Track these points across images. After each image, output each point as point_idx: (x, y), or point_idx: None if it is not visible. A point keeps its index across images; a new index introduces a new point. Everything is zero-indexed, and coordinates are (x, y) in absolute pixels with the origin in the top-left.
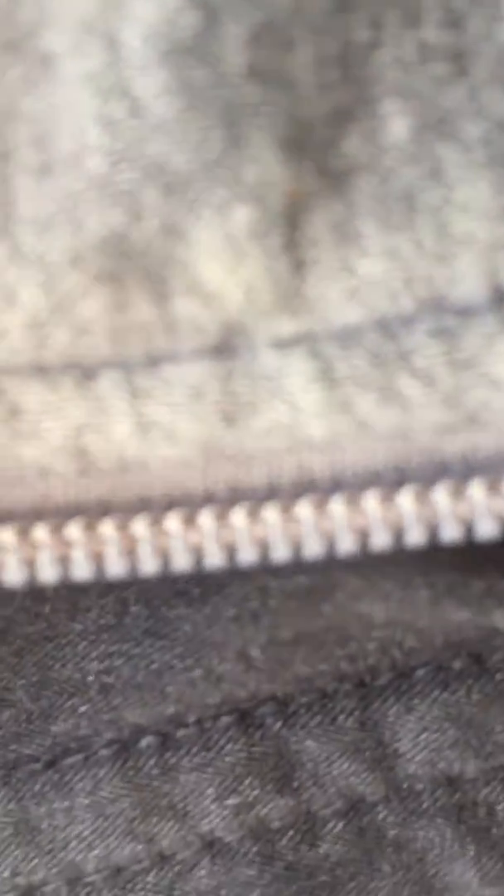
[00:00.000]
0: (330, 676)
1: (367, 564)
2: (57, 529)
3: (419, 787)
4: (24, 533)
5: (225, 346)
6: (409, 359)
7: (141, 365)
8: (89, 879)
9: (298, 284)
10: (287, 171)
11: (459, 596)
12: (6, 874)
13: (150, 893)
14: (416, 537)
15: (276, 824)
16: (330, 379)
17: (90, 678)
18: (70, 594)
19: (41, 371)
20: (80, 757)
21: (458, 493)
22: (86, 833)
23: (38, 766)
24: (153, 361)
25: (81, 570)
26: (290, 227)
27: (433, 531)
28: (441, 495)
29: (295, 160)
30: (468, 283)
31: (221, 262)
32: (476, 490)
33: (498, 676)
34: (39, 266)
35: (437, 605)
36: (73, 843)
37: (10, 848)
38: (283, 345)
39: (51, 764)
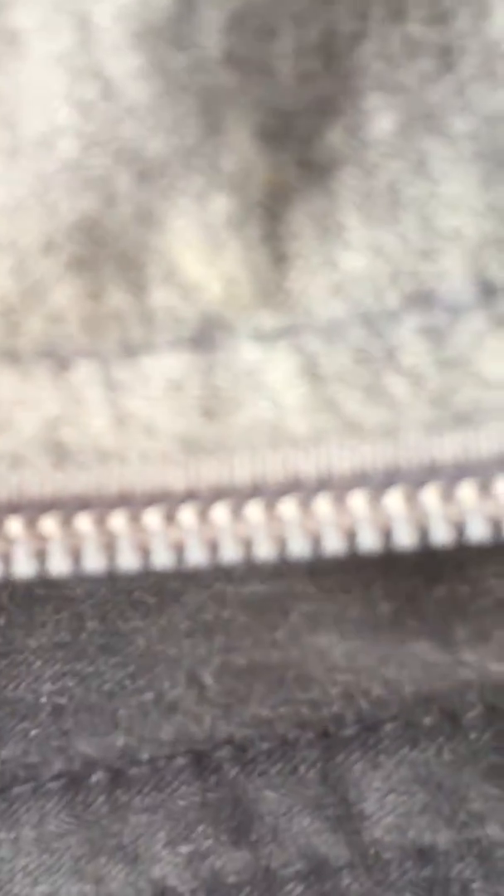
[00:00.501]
0: (291, 722)
1: (324, 572)
2: (32, 523)
3: (387, 855)
4: None
5: (204, 338)
6: (395, 356)
7: (117, 356)
8: None
9: (280, 278)
10: (266, 160)
11: (420, 608)
12: None
13: None
14: (404, 539)
15: (231, 878)
16: (314, 375)
17: (42, 699)
18: (27, 606)
19: (13, 359)
20: (27, 787)
21: (449, 494)
22: (31, 867)
23: None
24: (130, 352)
25: (58, 566)
26: (270, 218)
27: (423, 533)
28: (431, 497)
29: (274, 150)
30: (455, 279)
31: (199, 251)
32: (467, 491)
33: (472, 735)
34: (10, 251)
35: (397, 626)
36: (19, 877)
37: None
38: (264, 338)
39: None
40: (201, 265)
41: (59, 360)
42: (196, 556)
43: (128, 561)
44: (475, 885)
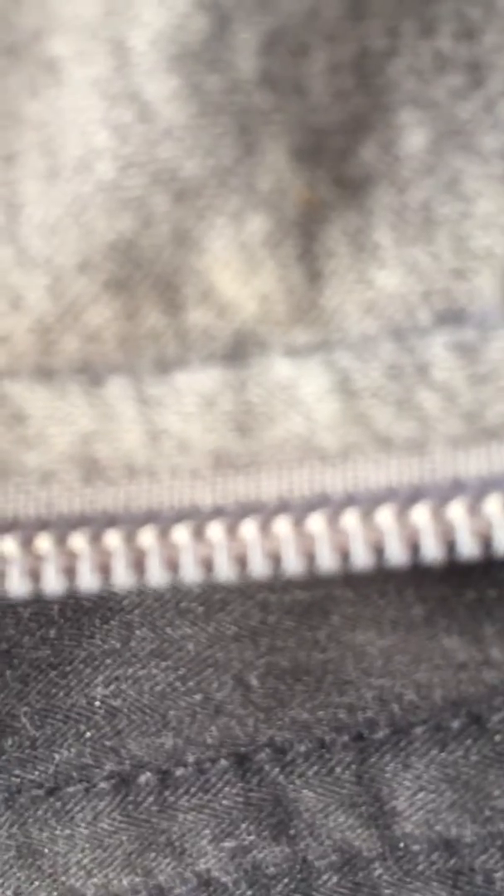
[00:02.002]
0: (328, 725)
1: (361, 578)
2: (61, 540)
3: (415, 847)
4: (27, 543)
5: (237, 355)
6: (427, 371)
7: (150, 372)
8: None
9: (315, 296)
10: (301, 179)
11: (451, 609)
12: (9, 894)
13: None
14: (431, 553)
15: (271, 870)
16: (347, 390)
17: (97, 703)
18: (75, 617)
19: (47, 376)
20: (80, 787)
21: (475, 509)
22: (85, 861)
23: (40, 792)
24: (163, 369)
25: (87, 582)
26: (305, 236)
27: (450, 547)
28: (457, 511)
29: (309, 168)
30: (486, 297)
31: (235, 271)
32: (493, 506)
33: (497, 738)
34: (46, 269)
35: (430, 624)
36: (74, 870)
37: (13, 870)
38: (297, 354)
39: (53, 791)
40: (237, 284)
41: (92, 377)
42: (225, 572)
43: (157, 577)
44: (498, 875)
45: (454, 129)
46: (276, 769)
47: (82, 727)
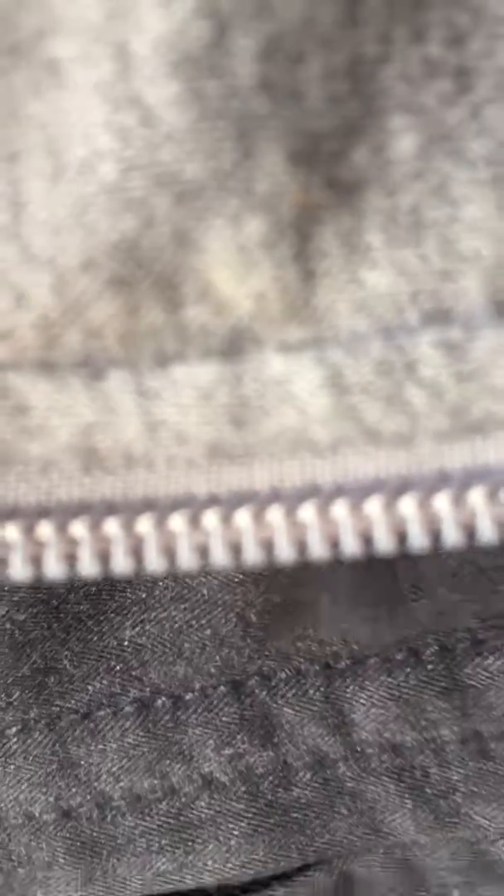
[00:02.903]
0: (303, 657)
1: None
2: (62, 527)
3: (370, 750)
4: (28, 530)
5: (233, 350)
6: (415, 368)
7: (150, 366)
8: (115, 804)
9: (308, 294)
10: (296, 182)
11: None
12: (51, 799)
13: (162, 817)
14: (418, 542)
15: (259, 770)
16: (338, 386)
17: (125, 643)
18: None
19: (49, 369)
20: (109, 711)
21: (460, 500)
22: (114, 769)
23: (76, 716)
24: (162, 363)
25: (87, 568)
26: (300, 237)
27: (435, 536)
28: (443, 502)
29: (304, 172)
30: (472, 298)
31: (232, 270)
32: (477, 497)
33: (430, 667)
34: (50, 268)
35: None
36: (104, 777)
37: (55, 779)
38: (291, 350)
39: (87, 715)
40: (234, 283)
41: (93, 370)
42: (220, 559)
43: (154, 563)
44: (432, 771)
45: (443, 134)
46: (264, 692)
47: (113, 662)
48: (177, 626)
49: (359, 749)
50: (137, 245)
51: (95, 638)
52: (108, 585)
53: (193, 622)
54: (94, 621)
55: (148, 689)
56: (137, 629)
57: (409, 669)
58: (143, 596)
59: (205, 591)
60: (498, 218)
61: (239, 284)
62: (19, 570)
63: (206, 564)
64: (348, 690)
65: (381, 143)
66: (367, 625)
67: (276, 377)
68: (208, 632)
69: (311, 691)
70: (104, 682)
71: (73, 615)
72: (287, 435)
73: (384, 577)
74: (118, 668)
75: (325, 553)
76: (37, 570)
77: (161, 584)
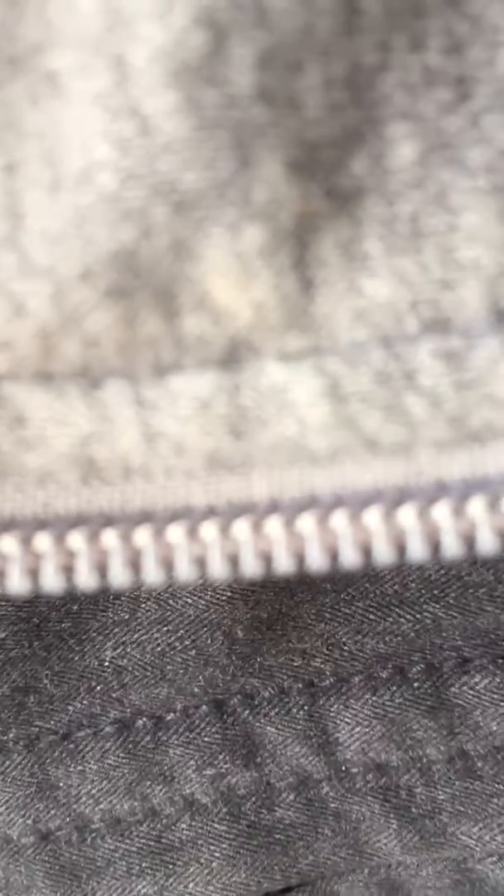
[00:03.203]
0: (286, 673)
1: None
2: (60, 539)
3: (354, 770)
4: (26, 542)
5: (232, 360)
6: (414, 377)
7: (147, 376)
8: (95, 827)
9: (307, 303)
10: (295, 191)
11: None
12: (29, 822)
13: (142, 839)
14: (418, 553)
15: (242, 791)
16: (337, 395)
17: (106, 663)
18: (93, 593)
19: (47, 379)
20: (90, 731)
21: (459, 510)
22: (94, 791)
23: (56, 737)
24: (160, 373)
25: (85, 580)
26: (299, 246)
27: (435, 547)
28: (442, 513)
29: (303, 181)
30: (472, 307)
31: (231, 280)
32: (477, 507)
33: (416, 685)
34: (49, 278)
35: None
36: (84, 799)
37: (33, 802)
38: (289, 359)
39: (66, 736)
40: (233, 293)
41: (91, 380)
42: (218, 570)
43: (152, 575)
44: (418, 791)
45: (442, 142)
46: (247, 711)
47: (93, 683)
48: (159, 648)
49: (343, 769)
50: (135, 255)
51: (77, 657)
52: (91, 604)
53: (177, 644)
54: (76, 640)
55: (128, 710)
56: (119, 650)
57: (394, 688)
58: (126, 617)
59: (190, 612)
60: (497, 226)
61: (237, 294)
62: (17, 583)
63: (205, 576)
64: (332, 709)
65: (381, 152)
66: (351, 636)
67: (274, 386)
68: (192, 652)
69: (295, 710)
70: (84, 702)
71: (54, 633)
72: (286, 445)
73: (369, 590)
74: (98, 688)
75: (325, 564)
76: (34, 583)
77: (144, 605)
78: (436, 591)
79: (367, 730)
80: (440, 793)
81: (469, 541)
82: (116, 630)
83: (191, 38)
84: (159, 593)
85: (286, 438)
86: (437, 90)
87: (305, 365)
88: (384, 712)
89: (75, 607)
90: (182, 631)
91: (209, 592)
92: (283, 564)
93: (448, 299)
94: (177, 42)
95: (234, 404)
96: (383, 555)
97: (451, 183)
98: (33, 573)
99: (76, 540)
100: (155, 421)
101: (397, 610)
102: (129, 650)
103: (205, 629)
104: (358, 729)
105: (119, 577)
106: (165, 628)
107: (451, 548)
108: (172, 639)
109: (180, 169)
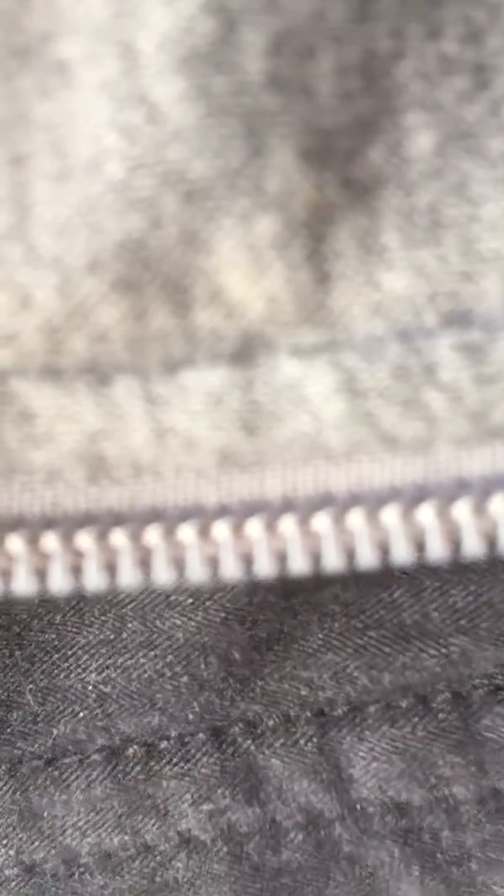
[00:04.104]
0: (292, 700)
1: None
2: (68, 538)
3: (371, 810)
4: (33, 541)
5: (244, 354)
6: (434, 372)
7: (158, 371)
8: (83, 861)
9: (322, 297)
10: (309, 181)
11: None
12: (11, 853)
13: (135, 877)
14: (438, 552)
15: (244, 829)
16: (353, 390)
17: (89, 687)
18: (78, 606)
19: (55, 375)
20: (75, 758)
21: (480, 508)
22: (80, 823)
23: (39, 762)
24: (171, 368)
25: (93, 580)
26: (313, 238)
27: (455, 546)
28: (463, 511)
29: (316, 170)
30: (493, 299)
31: (243, 272)
32: (498, 506)
33: (441, 716)
34: (55, 269)
35: (383, 575)
36: (70, 831)
37: (16, 831)
38: (304, 353)
39: (51, 762)
40: (245, 285)
41: (100, 376)
42: (231, 571)
43: (163, 575)
44: (443, 834)
45: (461, 131)
46: (248, 741)
47: (77, 708)
48: (146, 675)
49: (358, 808)
50: (144, 246)
51: (62, 675)
52: (75, 617)
53: (166, 671)
54: (61, 655)
55: (117, 738)
56: (103, 675)
57: (416, 719)
58: (111, 637)
59: (180, 636)
60: None
61: (250, 286)
62: (24, 583)
63: (217, 576)
64: (345, 741)
65: (398, 141)
66: (364, 670)
67: (288, 382)
68: (184, 678)
69: (303, 741)
70: (68, 726)
71: (37, 644)
72: (300, 441)
73: (385, 618)
74: (82, 714)
75: (341, 564)
76: (41, 583)
77: (129, 625)
78: (463, 621)
79: (385, 766)
80: (468, 837)
81: (491, 540)
82: (103, 650)
83: (199, 24)
84: (145, 612)
85: (301, 434)
86: (455, 78)
87: (321, 360)
88: (405, 746)
89: (58, 618)
90: (171, 656)
91: (200, 613)
92: (298, 564)
93: (468, 291)
94: (185, 28)
95: (247, 400)
96: (402, 554)
97: (471, 173)
98: (40, 573)
99: (84, 539)
100: (165, 417)
101: (418, 643)
102: (113, 675)
103: (197, 653)
104: (375, 765)
105: (129, 577)
106: (152, 653)
107: (472, 547)
108: (160, 665)
109: (189, 157)
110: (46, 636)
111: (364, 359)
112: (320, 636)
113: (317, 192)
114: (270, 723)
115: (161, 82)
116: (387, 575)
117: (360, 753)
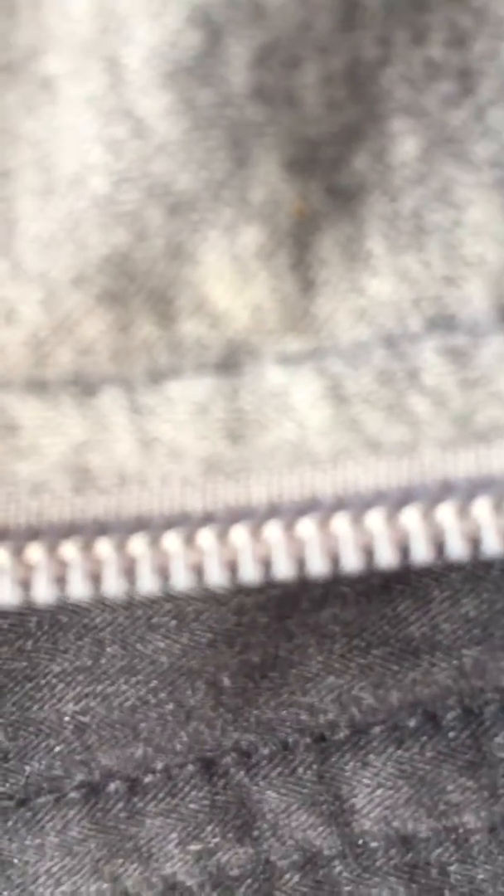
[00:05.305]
0: (291, 727)
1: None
2: (52, 549)
3: (374, 844)
4: (18, 552)
5: (230, 363)
6: (418, 376)
7: (143, 382)
8: None
9: (307, 304)
10: (294, 190)
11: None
12: None
13: None
14: (421, 555)
15: (235, 872)
16: (338, 397)
17: (66, 718)
18: (51, 631)
19: (40, 387)
20: (51, 797)
21: (464, 511)
22: (55, 870)
23: (10, 803)
24: (156, 379)
25: (78, 590)
26: (298, 246)
27: (439, 549)
28: (447, 514)
29: (302, 180)
30: (477, 304)
31: (228, 283)
32: (482, 509)
33: (451, 735)
34: (41, 283)
35: (386, 590)
36: (43, 879)
37: None
38: (289, 361)
39: (23, 802)
40: (230, 296)
41: (85, 387)
42: (216, 578)
43: (148, 584)
44: (452, 869)
45: (445, 136)
46: (241, 772)
47: (52, 742)
48: (128, 703)
49: (360, 843)
50: (130, 259)
51: (35, 706)
52: (49, 643)
53: (150, 697)
54: (34, 685)
55: (97, 773)
56: (81, 704)
57: (424, 738)
58: (89, 663)
59: (163, 660)
60: (502, 221)
61: (235, 296)
62: (8, 594)
63: (202, 584)
64: (347, 767)
65: (382, 148)
66: (370, 691)
67: (273, 390)
68: (170, 706)
69: (301, 769)
70: (43, 763)
71: (6, 673)
72: (285, 448)
73: (389, 634)
74: (58, 749)
75: (325, 569)
76: (26, 594)
77: (108, 650)
78: (476, 631)
79: (390, 792)
80: (479, 871)
81: (474, 542)
82: (80, 678)
83: (184, 37)
84: (125, 635)
85: (286, 442)
86: (441, 84)
87: (306, 367)
88: (412, 770)
89: (29, 644)
90: (154, 682)
91: (185, 635)
92: (283, 570)
93: (452, 296)
94: (170, 42)
95: (232, 408)
96: (386, 557)
97: (455, 178)
98: (25, 584)
99: (69, 550)
100: (151, 427)
101: (428, 657)
102: (92, 704)
103: (182, 678)
104: (379, 792)
105: (113, 586)
106: (134, 679)
107: (456, 549)
108: (143, 692)
109: (174, 170)
110: (17, 664)
111: (349, 364)
112: (319, 659)
113: (302, 201)
114: (266, 751)
115: (146, 96)
116: (389, 589)
117: (364, 780)
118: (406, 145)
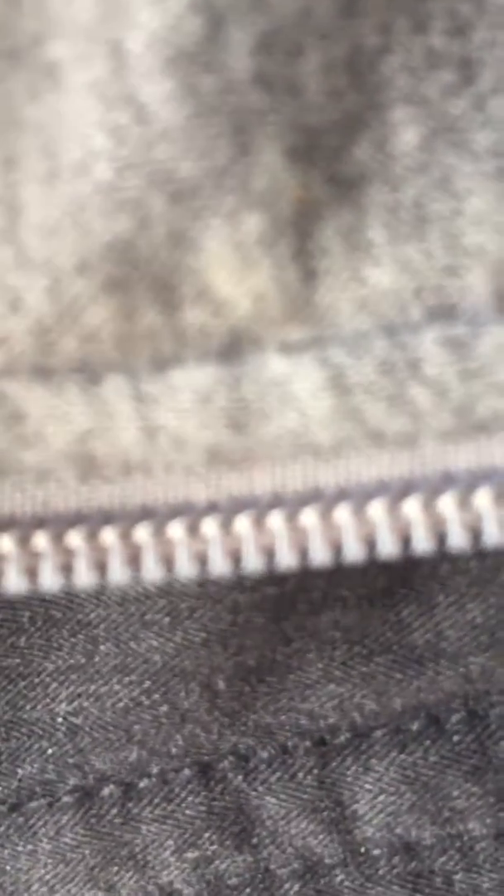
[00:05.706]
0: (290, 731)
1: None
2: (58, 538)
3: (376, 852)
4: (24, 541)
5: (232, 352)
6: (419, 366)
7: (147, 370)
8: None
9: (309, 294)
10: (295, 178)
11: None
12: None
13: None
14: (423, 545)
15: (233, 880)
16: (340, 386)
17: (59, 720)
18: (45, 628)
19: (45, 375)
20: (43, 802)
21: (465, 502)
22: (48, 877)
23: (2, 808)
24: (160, 367)
25: (84, 579)
26: (299, 235)
27: (440, 540)
28: (448, 504)
29: (303, 168)
30: (477, 294)
31: (230, 270)
32: (483, 499)
33: (455, 738)
34: (45, 271)
35: (389, 595)
36: (35, 886)
37: None
38: (291, 350)
39: (15, 807)
40: (232, 283)
41: (90, 375)
42: (219, 567)
43: (152, 572)
44: (457, 877)
45: (446, 126)
46: (240, 777)
47: (45, 743)
48: (121, 704)
49: (362, 850)
50: (133, 246)
51: (28, 706)
52: (42, 640)
53: (143, 698)
54: (27, 684)
55: (91, 777)
56: (74, 704)
57: (428, 742)
58: (83, 661)
59: (157, 659)
60: (502, 211)
61: (237, 284)
62: (14, 583)
63: (206, 572)
64: (349, 772)
65: (383, 137)
66: (373, 698)
67: (276, 379)
68: (164, 708)
69: (301, 774)
70: (35, 765)
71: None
72: (288, 438)
73: (392, 640)
74: (50, 751)
75: (328, 559)
76: (32, 582)
77: (102, 648)
78: (483, 638)
79: (393, 798)
80: (485, 879)
81: (475, 533)
82: (73, 676)
83: (187, 23)
84: (119, 633)
85: (288, 431)
86: (441, 72)
87: (308, 356)
88: (415, 775)
89: (22, 640)
90: (148, 682)
91: (179, 633)
92: (286, 559)
93: (453, 286)
94: (173, 28)
95: (234, 398)
96: (387, 547)
97: (456, 167)
98: (30, 572)
99: (74, 538)
100: (155, 415)
101: (433, 665)
102: (85, 705)
103: (176, 680)
104: (382, 798)
105: (118, 575)
106: (127, 679)
107: (457, 540)
108: (137, 692)
109: (177, 157)
110: (9, 661)
111: (351, 354)
112: (320, 666)
113: (303, 189)
114: (264, 755)
115: (149, 82)
116: (391, 593)
117: (366, 785)
118: (407, 134)
